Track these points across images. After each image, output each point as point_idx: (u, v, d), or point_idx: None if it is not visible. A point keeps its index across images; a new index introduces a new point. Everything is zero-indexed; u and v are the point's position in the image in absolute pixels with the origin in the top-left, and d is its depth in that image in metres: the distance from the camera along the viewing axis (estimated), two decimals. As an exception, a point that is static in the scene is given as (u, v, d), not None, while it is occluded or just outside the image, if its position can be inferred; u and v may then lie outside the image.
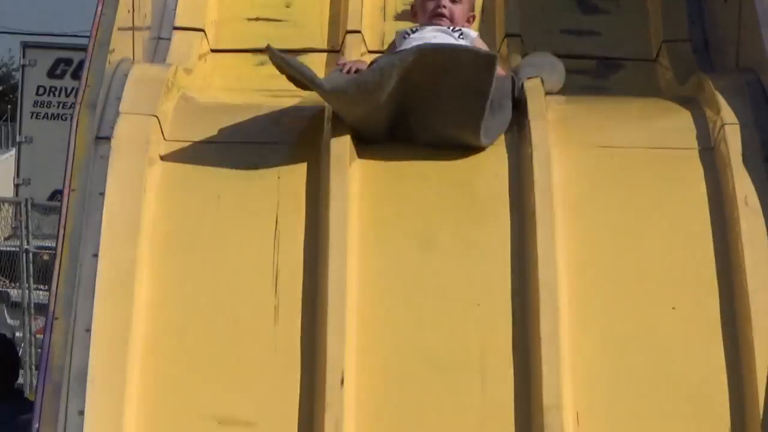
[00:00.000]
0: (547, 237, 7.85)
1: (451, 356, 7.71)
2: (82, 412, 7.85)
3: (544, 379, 7.48)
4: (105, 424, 7.94)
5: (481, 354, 7.78)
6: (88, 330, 8.07)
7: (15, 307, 28.03)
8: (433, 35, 7.04)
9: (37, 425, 7.89)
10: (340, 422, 7.72)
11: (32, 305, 23.70)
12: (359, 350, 7.92)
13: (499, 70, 7.26)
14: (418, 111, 6.79)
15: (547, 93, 8.03)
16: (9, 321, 28.26)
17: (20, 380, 14.82)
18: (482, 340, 7.87)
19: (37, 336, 20.66)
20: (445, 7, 7.15)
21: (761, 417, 7.50)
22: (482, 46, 7.45)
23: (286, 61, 7.05)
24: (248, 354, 8.28)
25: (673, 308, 8.11)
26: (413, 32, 7.19)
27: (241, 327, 8.55)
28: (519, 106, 7.75)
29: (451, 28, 7.23)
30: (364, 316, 8.17)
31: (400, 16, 11.42)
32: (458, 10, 7.27)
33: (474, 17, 7.73)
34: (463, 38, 7.10)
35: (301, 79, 6.97)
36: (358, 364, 7.98)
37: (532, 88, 8.16)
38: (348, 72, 7.19)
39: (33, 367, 20.79)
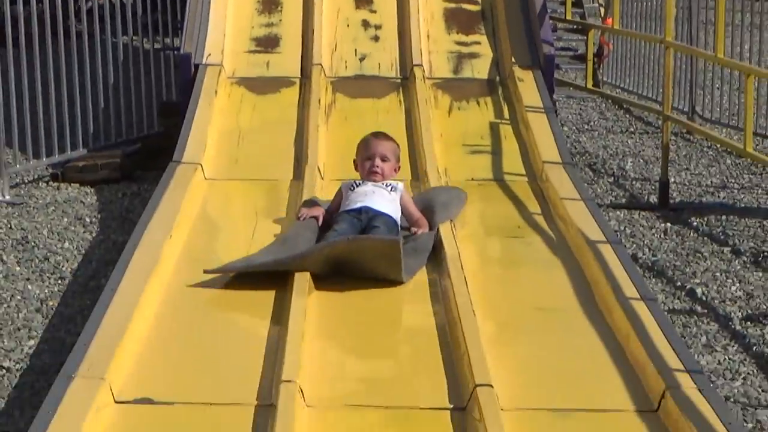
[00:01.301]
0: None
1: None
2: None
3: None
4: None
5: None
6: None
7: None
8: (372, 190, 6.11)
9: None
10: None
11: None
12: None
13: (425, 229, 6.13)
14: (350, 267, 5.61)
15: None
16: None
17: None
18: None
19: None
20: (378, 166, 6.24)
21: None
22: (407, 194, 6.37)
23: (227, 268, 5.67)
24: None
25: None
26: (357, 186, 6.18)
27: None
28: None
29: (384, 183, 6.22)
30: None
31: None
32: (387, 167, 6.31)
33: (399, 167, 6.56)
34: (394, 191, 6.17)
35: (246, 270, 5.63)
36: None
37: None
38: (303, 219, 6.15)
39: None
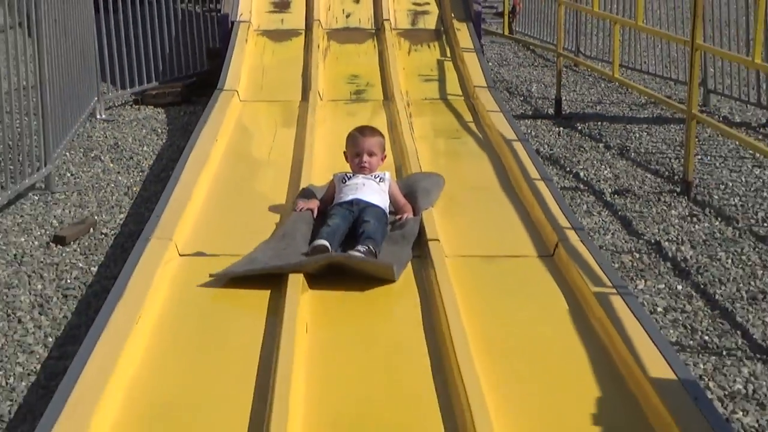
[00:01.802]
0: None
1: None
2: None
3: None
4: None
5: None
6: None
7: None
8: (363, 182, 4.63)
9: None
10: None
11: None
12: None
13: (411, 214, 4.70)
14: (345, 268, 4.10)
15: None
16: None
17: None
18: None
19: None
20: (366, 161, 4.72)
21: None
22: (394, 183, 4.84)
23: (230, 272, 4.14)
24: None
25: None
26: (348, 179, 4.69)
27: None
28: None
29: (373, 175, 4.72)
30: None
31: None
32: (374, 160, 4.77)
33: (385, 156, 4.96)
34: (382, 182, 4.69)
35: (250, 274, 4.11)
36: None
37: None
38: (300, 210, 4.64)
39: None
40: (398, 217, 4.69)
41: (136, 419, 3.14)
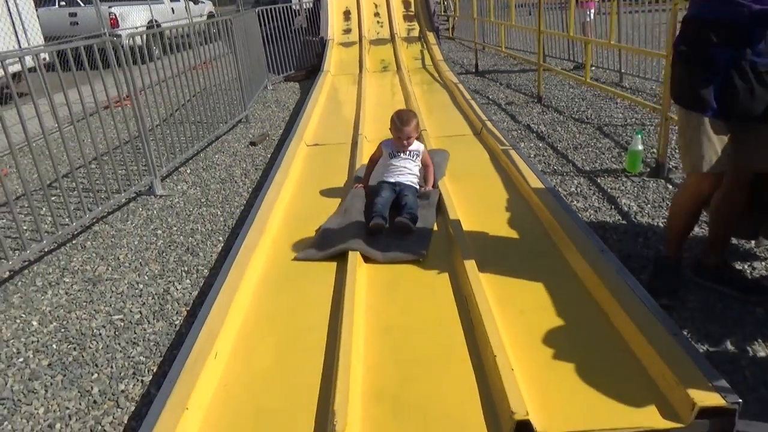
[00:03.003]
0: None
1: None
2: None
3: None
4: None
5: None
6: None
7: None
8: (404, 165, 2.77)
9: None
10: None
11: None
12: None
13: (431, 185, 2.86)
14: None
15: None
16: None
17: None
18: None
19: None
20: (405, 143, 2.78)
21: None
22: (425, 153, 2.89)
23: (309, 256, 2.33)
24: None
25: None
26: (393, 156, 2.81)
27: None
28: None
29: (410, 153, 2.80)
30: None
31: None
32: (412, 140, 2.79)
33: (418, 132, 2.88)
34: (417, 157, 2.83)
35: (325, 259, 2.30)
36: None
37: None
38: (356, 188, 2.85)
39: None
40: (423, 189, 2.84)
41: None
